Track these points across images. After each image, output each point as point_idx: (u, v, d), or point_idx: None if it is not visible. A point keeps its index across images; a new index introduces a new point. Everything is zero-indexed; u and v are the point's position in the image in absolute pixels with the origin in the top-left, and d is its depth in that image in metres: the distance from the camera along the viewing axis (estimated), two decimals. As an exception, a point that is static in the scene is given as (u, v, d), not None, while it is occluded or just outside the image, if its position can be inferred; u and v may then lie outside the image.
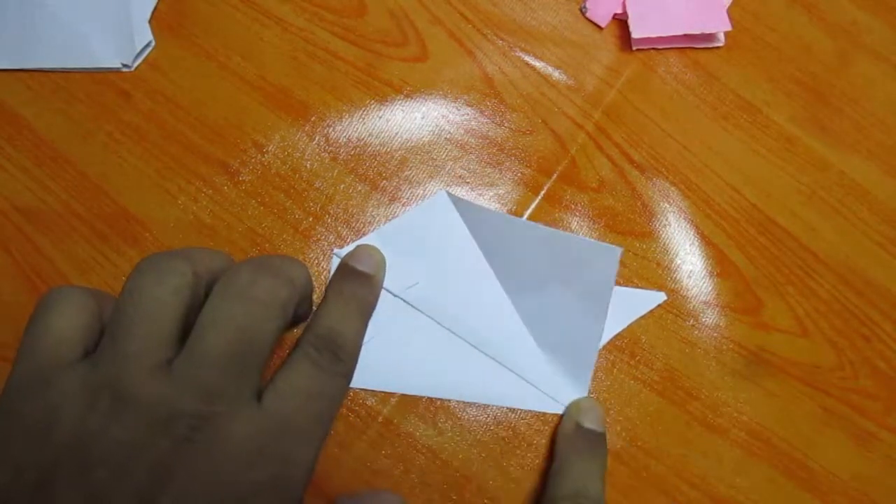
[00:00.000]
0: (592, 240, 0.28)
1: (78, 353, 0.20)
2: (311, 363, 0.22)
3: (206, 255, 0.22)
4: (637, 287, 0.29)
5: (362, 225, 0.29)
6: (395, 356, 0.27)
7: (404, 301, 0.28)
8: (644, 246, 0.30)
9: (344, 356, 0.23)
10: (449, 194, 0.29)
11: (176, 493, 0.18)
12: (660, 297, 0.29)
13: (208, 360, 0.19)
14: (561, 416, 0.28)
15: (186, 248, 0.23)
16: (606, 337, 0.29)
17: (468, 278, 0.28)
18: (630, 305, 0.29)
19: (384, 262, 0.27)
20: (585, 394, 0.28)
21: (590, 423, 0.27)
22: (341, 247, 0.28)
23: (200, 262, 0.21)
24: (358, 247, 0.27)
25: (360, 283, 0.25)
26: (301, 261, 0.24)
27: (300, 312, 0.23)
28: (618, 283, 0.29)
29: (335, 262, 0.28)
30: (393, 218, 0.29)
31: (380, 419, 0.27)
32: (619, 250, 0.27)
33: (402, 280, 0.28)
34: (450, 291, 0.28)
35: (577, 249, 0.28)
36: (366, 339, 0.26)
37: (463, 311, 0.28)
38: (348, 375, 0.25)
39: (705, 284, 0.30)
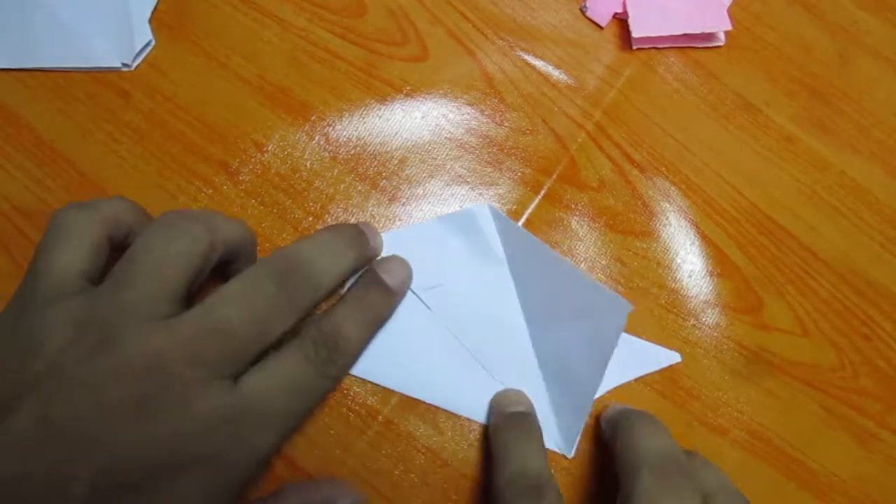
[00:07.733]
0: (608, 290, 0.27)
1: (78, 286, 0.20)
2: (303, 357, 0.22)
3: (225, 225, 0.23)
4: (648, 340, 0.29)
5: (362, 225, 0.29)
6: (397, 352, 0.27)
7: (421, 300, 0.27)
8: (644, 245, 0.30)
9: (339, 360, 0.24)
10: (492, 209, 0.29)
11: (119, 443, 0.18)
12: (675, 357, 0.28)
13: (211, 336, 0.20)
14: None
15: (207, 213, 0.23)
16: (610, 385, 0.28)
17: (490, 294, 0.28)
18: (641, 359, 0.28)
19: (411, 279, 0.27)
20: (572, 449, 0.27)
21: (512, 408, 0.26)
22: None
23: (218, 231, 0.22)
24: (391, 258, 0.26)
25: (382, 295, 0.25)
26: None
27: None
28: (619, 286, 0.29)
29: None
30: (393, 216, 0.29)
31: (380, 419, 0.27)
32: (628, 306, 0.25)
33: (425, 279, 0.27)
34: (469, 302, 0.28)
35: (592, 293, 0.27)
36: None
37: (477, 324, 0.28)
38: (336, 380, 0.25)
39: (705, 284, 0.30)
